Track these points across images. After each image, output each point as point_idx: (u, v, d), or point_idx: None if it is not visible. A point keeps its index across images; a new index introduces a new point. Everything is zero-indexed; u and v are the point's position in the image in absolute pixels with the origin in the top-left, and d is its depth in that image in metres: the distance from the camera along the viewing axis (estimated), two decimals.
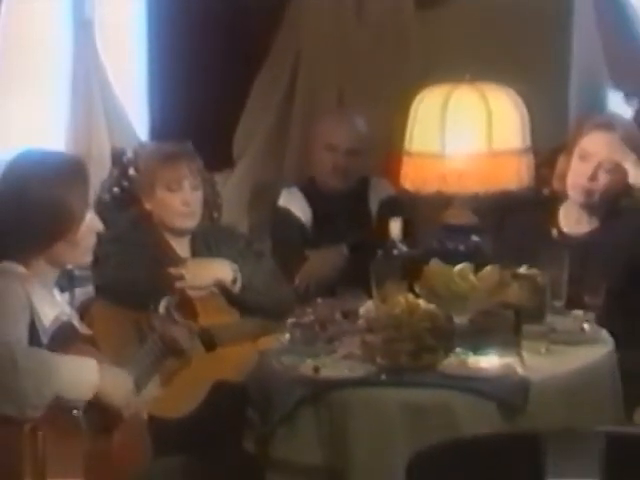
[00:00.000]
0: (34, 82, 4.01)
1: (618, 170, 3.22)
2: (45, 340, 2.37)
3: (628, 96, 3.87)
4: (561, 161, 3.33)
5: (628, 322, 3.08)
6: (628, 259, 3.17)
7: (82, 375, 2.28)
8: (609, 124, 3.29)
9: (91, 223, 2.48)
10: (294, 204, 3.82)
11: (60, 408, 2.24)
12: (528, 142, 3.08)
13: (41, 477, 2.19)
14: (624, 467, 1.71)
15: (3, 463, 2.20)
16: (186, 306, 2.94)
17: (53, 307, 2.44)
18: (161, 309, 2.65)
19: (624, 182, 3.23)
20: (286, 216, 3.81)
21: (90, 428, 2.33)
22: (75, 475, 2.22)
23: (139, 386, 2.47)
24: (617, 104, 3.95)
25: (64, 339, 2.38)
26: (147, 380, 2.57)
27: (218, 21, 4.10)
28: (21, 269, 2.41)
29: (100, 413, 2.32)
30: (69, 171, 2.46)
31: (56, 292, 2.54)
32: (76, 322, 2.51)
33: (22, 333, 2.32)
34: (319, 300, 2.97)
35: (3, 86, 3.76)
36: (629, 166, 3.20)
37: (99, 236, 2.54)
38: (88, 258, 2.52)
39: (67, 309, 2.54)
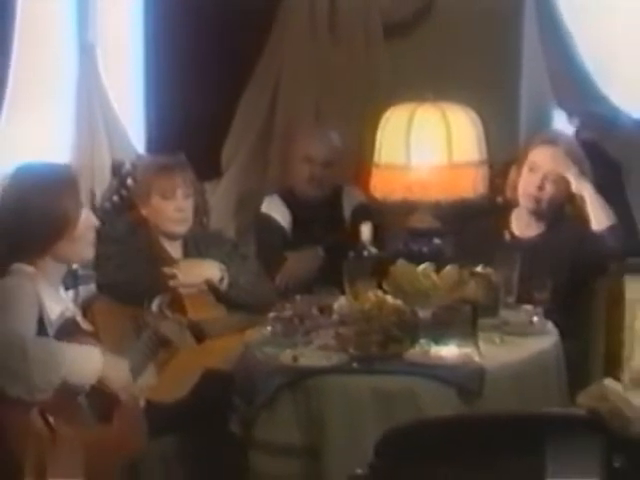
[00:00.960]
0: (42, 102, 3.99)
1: (562, 181, 3.25)
2: (51, 333, 2.36)
3: (570, 115, 3.90)
4: (513, 172, 3.36)
5: (571, 315, 3.11)
6: (571, 259, 3.20)
7: (86, 362, 2.29)
8: (554, 140, 3.32)
9: (87, 220, 2.48)
10: (275, 211, 3.81)
11: (66, 392, 2.23)
12: (484, 155, 3.09)
13: (43, 462, 2.18)
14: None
15: (9, 447, 2.19)
16: (177, 303, 2.94)
17: (59, 303, 2.45)
18: (154, 307, 2.65)
19: (567, 191, 3.26)
20: (268, 221, 3.80)
21: (92, 414, 2.33)
22: (76, 473, 2.21)
23: (136, 375, 2.47)
24: (561, 122, 3.98)
25: (68, 333, 2.38)
26: (143, 369, 2.57)
27: (211, 45, 4.07)
28: (30, 269, 2.41)
29: (101, 398, 2.32)
30: (60, 178, 2.47)
31: (61, 290, 2.54)
32: (79, 318, 2.51)
33: (32, 326, 2.32)
34: (297, 297, 2.96)
35: (14, 106, 3.74)
36: (571, 177, 3.23)
37: (100, 239, 2.54)
38: (89, 253, 2.52)
39: (71, 306, 2.54)
